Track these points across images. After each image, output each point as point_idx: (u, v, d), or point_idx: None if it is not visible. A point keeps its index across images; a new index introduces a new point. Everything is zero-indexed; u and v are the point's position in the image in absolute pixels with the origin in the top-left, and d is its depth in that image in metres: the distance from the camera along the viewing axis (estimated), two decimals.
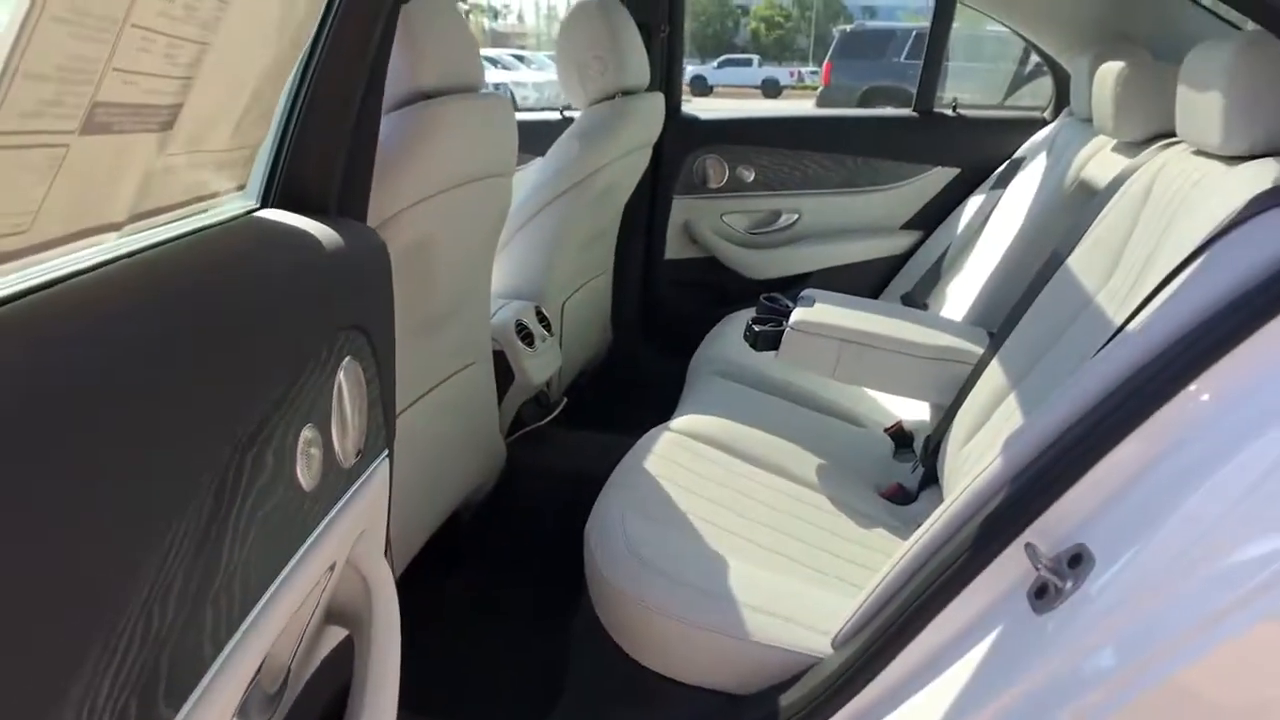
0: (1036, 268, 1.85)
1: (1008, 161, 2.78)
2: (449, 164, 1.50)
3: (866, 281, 2.98)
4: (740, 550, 1.47)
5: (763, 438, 1.84)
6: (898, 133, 3.01)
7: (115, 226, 0.60)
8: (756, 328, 2.01)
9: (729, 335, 2.46)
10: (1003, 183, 2.69)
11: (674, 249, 3.00)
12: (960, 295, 2.46)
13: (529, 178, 2.35)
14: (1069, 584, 1.00)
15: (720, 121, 2.99)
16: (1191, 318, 1.04)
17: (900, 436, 2.06)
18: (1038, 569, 1.02)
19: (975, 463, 1.52)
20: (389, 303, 0.98)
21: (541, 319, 2.27)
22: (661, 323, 3.04)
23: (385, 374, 0.96)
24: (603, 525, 1.49)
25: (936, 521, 1.20)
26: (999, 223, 2.56)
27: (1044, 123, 2.87)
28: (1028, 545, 1.04)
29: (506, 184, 1.76)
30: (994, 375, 1.70)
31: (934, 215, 2.95)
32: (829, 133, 3.02)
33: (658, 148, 2.77)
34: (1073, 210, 2.07)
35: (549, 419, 2.32)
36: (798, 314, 1.96)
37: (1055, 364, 1.54)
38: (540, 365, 2.19)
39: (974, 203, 2.79)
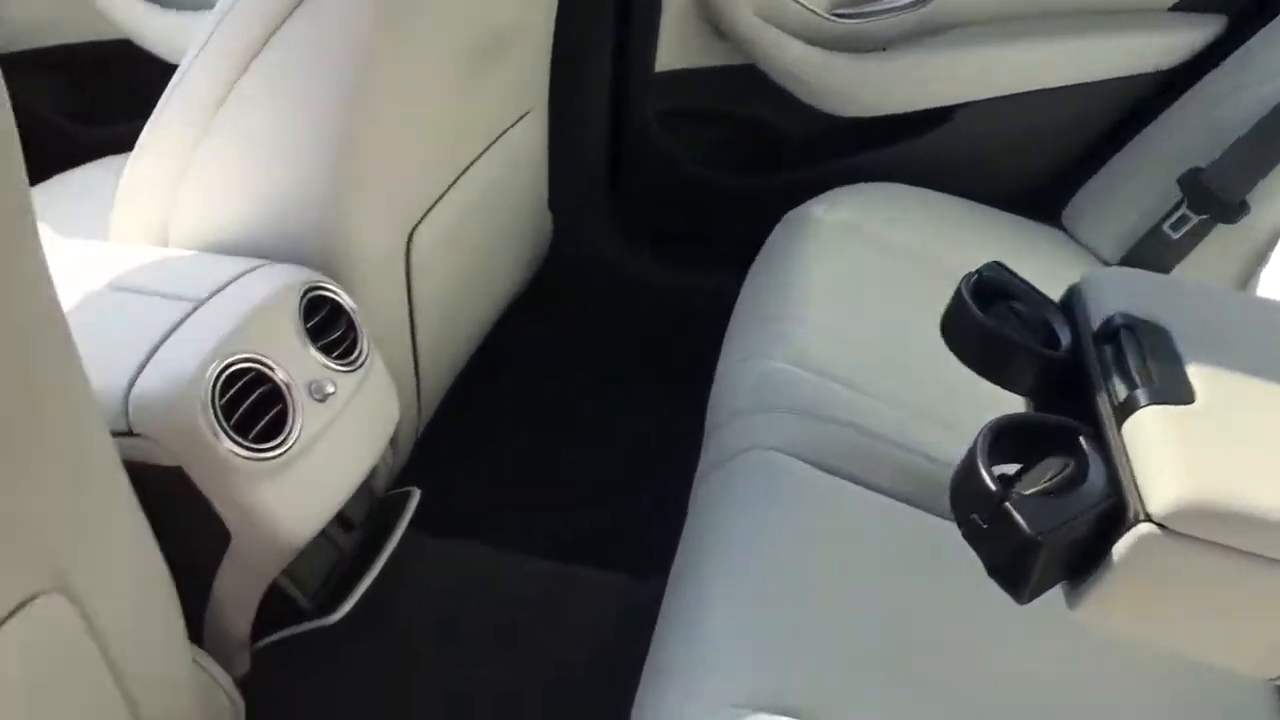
0: None
1: None
2: None
3: (1090, 126, 1.46)
4: None
5: None
6: None
7: None
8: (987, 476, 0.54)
9: (800, 272, 1.19)
10: None
11: (674, 52, 1.46)
12: None
13: None
14: None
15: None
16: None
17: None
18: None
19: None
20: None
21: (330, 314, 0.88)
22: (653, 206, 1.57)
23: None
24: None
25: None
26: None
27: None
28: None
29: None
30: None
31: None
32: None
33: None
34: None
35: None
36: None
37: None
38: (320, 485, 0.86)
39: None
